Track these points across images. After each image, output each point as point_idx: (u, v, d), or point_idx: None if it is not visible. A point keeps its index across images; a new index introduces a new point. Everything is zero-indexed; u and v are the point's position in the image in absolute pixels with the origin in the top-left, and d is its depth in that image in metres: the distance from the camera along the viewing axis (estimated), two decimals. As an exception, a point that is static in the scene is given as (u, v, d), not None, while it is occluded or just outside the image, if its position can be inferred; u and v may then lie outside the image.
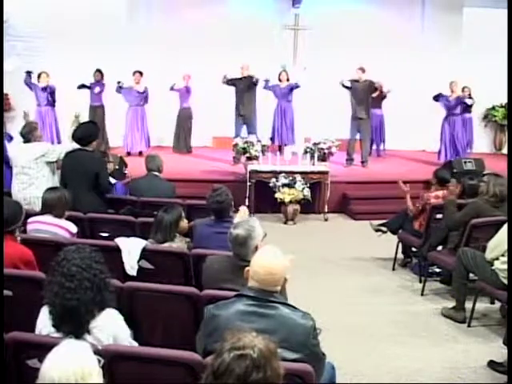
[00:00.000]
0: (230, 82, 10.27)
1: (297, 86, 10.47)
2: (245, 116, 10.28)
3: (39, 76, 10.13)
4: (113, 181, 6.20)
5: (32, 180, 5.74)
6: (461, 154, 10.51)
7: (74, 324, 2.56)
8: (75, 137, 5.71)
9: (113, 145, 10.93)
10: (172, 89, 11.00)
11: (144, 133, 10.91)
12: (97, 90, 10.64)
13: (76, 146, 5.70)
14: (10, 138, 7.21)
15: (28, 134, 5.87)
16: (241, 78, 10.28)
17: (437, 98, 10.50)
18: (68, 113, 10.38)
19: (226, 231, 3.78)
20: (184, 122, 11.22)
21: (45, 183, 5.66)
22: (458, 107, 10.61)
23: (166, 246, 4.16)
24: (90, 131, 5.78)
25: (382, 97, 10.88)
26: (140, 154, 10.59)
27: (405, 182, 6.81)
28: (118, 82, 10.66)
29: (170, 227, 4.24)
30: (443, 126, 10.64)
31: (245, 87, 10.23)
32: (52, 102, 10.27)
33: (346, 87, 10.17)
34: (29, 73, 10.05)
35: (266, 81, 10.43)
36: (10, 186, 5.89)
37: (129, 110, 10.85)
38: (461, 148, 10.73)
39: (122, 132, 10.91)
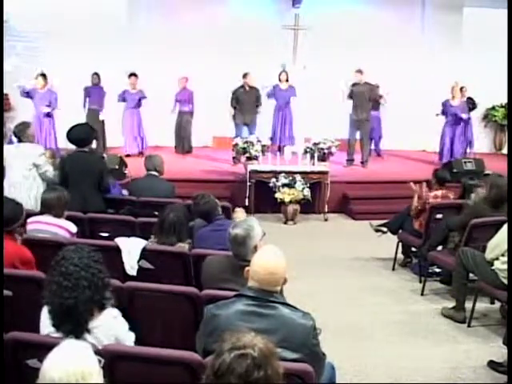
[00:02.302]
0: (234, 96, 10.25)
1: (293, 93, 10.59)
2: (247, 120, 10.29)
3: (36, 79, 9.96)
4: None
5: (23, 181, 5.73)
6: (461, 155, 10.52)
7: (72, 323, 2.56)
8: (71, 138, 5.68)
9: (113, 145, 10.91)
10: (177, 100, 10.99)
11: (140, 134, 10.86)
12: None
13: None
14: (10, 141, 7.20)
15: (20, 133, 5.87)
16: (243, 88, 10.26)
17: (443, 110, 10.49)
18: (67, 114, 10.32)
19: (221, 229, 3.78)
20: (184, 126, 11.20)
21: (36, 185, 5.69)
22: (459, 113, 10.60)
23: (176, 246, 4.15)
24: (86, 133, 5.77)
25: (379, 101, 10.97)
26: (140, 154, 10.56)
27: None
28: (123, 99, 10.65)
29: (185, 228, 4.25)
30: (444, 130, 10.59)
31: (247, 98, 10.24)
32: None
33: (349, 96, 10.17)
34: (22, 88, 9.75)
35: (268, 92, 10.50)
36: None
37: (125, 113, 10.79)
38: (461, 150, 10.73)
39: (121, 133, 10.88)
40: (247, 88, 10.29)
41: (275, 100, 10.67)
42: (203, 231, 4.39)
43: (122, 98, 10.74)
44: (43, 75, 9.92)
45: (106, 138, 10.82)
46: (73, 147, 5.89)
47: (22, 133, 5.85)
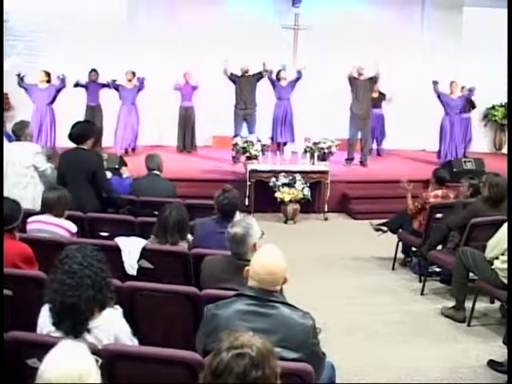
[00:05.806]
0: (232, 76, 10.27)
1: (298, 78, 10.57)
2: (247, 112, 10.29)
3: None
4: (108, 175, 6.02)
5: (20, 179, 5.74)
6: (460, 154, 10.53)
7: (72, 321, 2.56)
8: (70, 135, 5.68)
9: (109, 144, 10.86)
10: (176, 88, 10.96)
11: (134, 132, 10.72)
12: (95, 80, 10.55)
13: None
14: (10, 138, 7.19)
15: (19, 131, 5.88)
16: (243, 75, 10.31)
17: (439, 95, 10.47)
18: (66, 112, 10.31)
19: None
20: (187, 122, 11.17)
21: (34, 184, 5.69)
22: (459, 106, 10.61)
23: (178, 245, 4.14)
24: (84, 130, 5.76)
25: (383, 98, 10.96)
26: (133, 150, 10.56)
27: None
28: (114, 81, 10.51)
29: (185, 227, 4.24)
30: (444, 124, 10.61)
31: (247, 84, 10.26)
32: (52, 101, 10.17)
33: (351, 78, 10.16)
34: (20, 76, 9.75)
35: (270, 72, 10.52)
36: None
37: (122, 108, 10.64)
38: (461, 147, 10.73)
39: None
40: (246, 75, 10.31)
41: (275, 96, 10.69)
42: (206, 229, 4.30)
43: (114, 87, 10.52)
44: (45, 71, 9.91)
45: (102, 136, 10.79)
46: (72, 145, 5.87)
47: (21, 132, 5.87)
